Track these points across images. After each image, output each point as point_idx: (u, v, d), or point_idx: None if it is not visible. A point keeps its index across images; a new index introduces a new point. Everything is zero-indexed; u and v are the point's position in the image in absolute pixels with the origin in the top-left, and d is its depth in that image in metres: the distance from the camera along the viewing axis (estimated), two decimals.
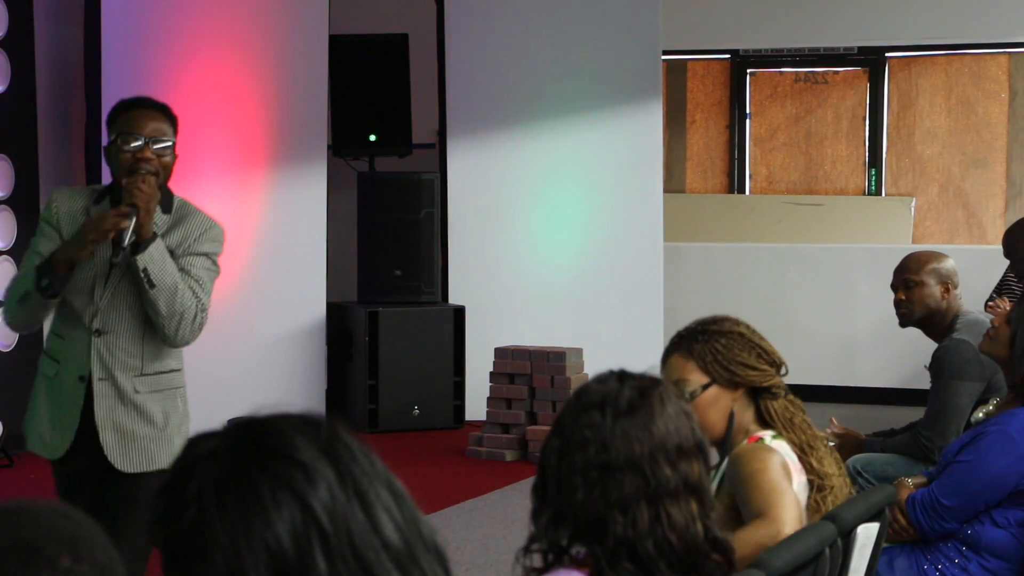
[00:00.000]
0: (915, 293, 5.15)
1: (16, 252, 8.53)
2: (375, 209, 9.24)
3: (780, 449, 3.11)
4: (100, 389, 4.08)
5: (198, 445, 1.51)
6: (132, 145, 4.07)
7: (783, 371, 3.22)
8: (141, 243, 4.03)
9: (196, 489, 1.47)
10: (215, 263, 4.39)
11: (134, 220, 3.98)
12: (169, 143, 4.18)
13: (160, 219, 4.18)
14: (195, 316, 4.16)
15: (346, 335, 9.28)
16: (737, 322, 3.22)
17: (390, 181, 9.35)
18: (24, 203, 8.58)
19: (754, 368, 3.16)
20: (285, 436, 1.49)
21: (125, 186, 4.01)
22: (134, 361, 4.11)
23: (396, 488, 1.53)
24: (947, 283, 5.13)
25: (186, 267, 4.19)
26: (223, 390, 8.66)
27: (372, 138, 9.69)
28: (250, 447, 1.48)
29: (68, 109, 8.91)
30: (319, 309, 9.19)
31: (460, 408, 9.13)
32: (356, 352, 9.15)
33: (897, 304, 5.20)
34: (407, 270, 9.24)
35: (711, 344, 3.15)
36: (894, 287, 5.23)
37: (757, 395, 3.18)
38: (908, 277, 5.18)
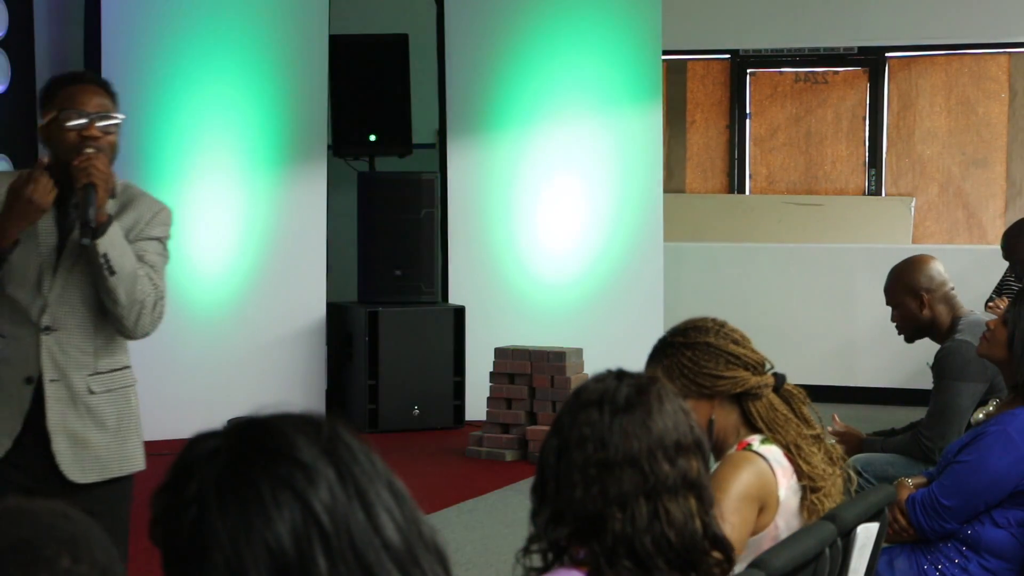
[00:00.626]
0: (898, 314, 5.17)
1: None
2: (375, 209, 9.24)
3: (768, 455, 3.08)
4: (53, 392, 3.71)
5: (198, 444, 1.51)
6: (76, 122, 3.71)
7: (767, 368, 3.17)
8: (99, 227, 3.67)
9: (196, 489, 1.47)
10: (166, 248, 3.95)
11: (95, 200, 3.64)
12: (116, 120, 3.83)
13: (108, 203, 3.79)
14: (155, 304, 3.79)
15: (346, 335, 9.28)
16: (706, 329, 3.15)
17: (390, 181, 9.35)
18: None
19: (722, 377, 3.10)
20: (286, 436, 1.49)
21: (77, 165, 3.64)
22: (87, 359, 3.76)
23: (396, 488, 1.53)
24: (922, 294, 5.11)
25: (139, 253, 3.80)
26: (223, 390, 8.66)
27: (372, 138, 9.69)
28: (251, 447, 1.48)
29: None
30: (319, 309, 9.19)
31: (460, 408, 9.13)
32: (356, 352, 9.15)
33: (893, 322, 5.23)
34: (407, 270, 9.24)
35: (677, 358, 3.11)
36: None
37: (738, 398, 3.15)
38: (888, 300, 5.20)
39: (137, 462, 3.82)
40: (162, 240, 3.91)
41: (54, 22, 8.80)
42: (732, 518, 2.94)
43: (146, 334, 3.82)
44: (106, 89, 3.85)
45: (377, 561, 1.46)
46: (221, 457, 1.48)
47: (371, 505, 1.48)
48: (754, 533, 3.04)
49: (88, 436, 3.73)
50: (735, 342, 3.12)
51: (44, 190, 3.64)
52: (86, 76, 3.90)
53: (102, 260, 3.66)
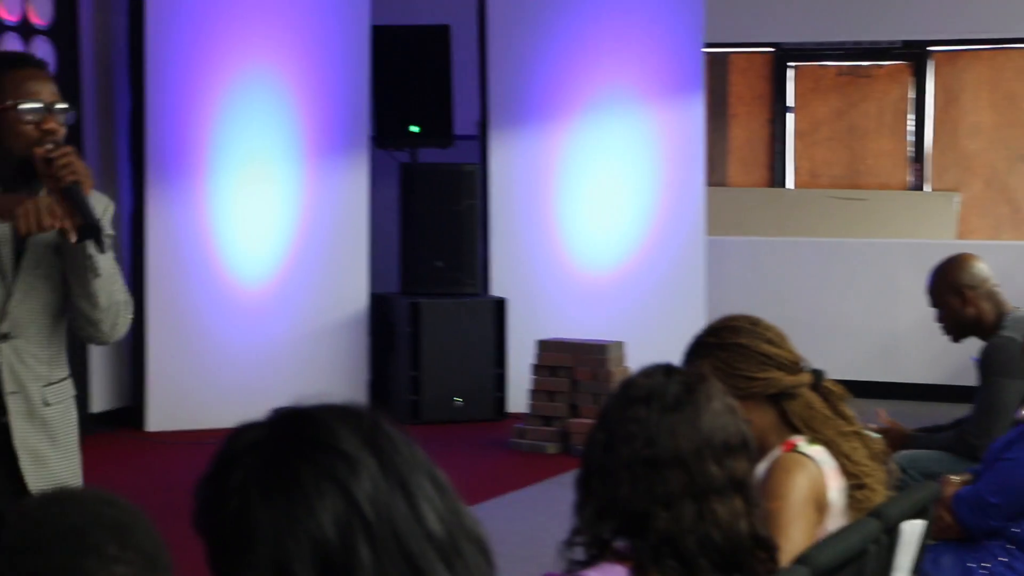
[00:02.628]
0: (942, 313, 5.13)
1: None
2: (417, 200, 9.25)
3: (816, 456, 3.06)
4: (14, 405, 3.44)
5: (241, 435, 1.51)
6: (34, 114, 3.40)
7: (802, 367, 3.13)
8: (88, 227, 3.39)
9: (239, 479, 1.47)
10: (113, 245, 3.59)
11: (87, 199, 3.39)
12: (69, 110, 3.48)
13: None
14: (127, 304, 3.55)
15: (388, 326, 9.29)
16: (739, 329, 3.11)
17: (432, 172, 9.35)
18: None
19: (755, 379, 3.07)
20: (328, 426, 1.49)
21: (59, 162, 3.35)
22: (43, 368, 3.50)
23: (438, 479, 1.52)
24: (965, 292, 5.06)
25: None
26: (267, 380, 8.69)
27: (414, 129, 9.70)
28: (293, 437, 1.49)
29: (112, 98, 8.95)
30: (362, 300, 9.21)
31: (502, 400, 9.13)
32: (398, 343, 9.16)
33: (939, 323, 5.19)
34: (449, 261, 9.25)
35: (711, 360, 3.08)
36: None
37: (774, 398, 3.12)
38: (931, 301, 5.16)
39: (80, 479, 3.60)
40: (112, 237, 3.56)
41: (99, 11, 8.84)
42: (796, 524, 2.91)
43: (119, 337, 3.57)
44: (51, 75, 3.54)
45: (420, 551, 1.46)
46: (264, 447, 1.48)
47: (413, 495, 1.48)
48: None
49: (45, 452, 3.48)
50: (768, 342, 3.08)
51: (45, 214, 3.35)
52: (32, 60, 3.56)
53: (88, 262, 3.40)
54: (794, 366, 3.09)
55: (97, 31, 8.84)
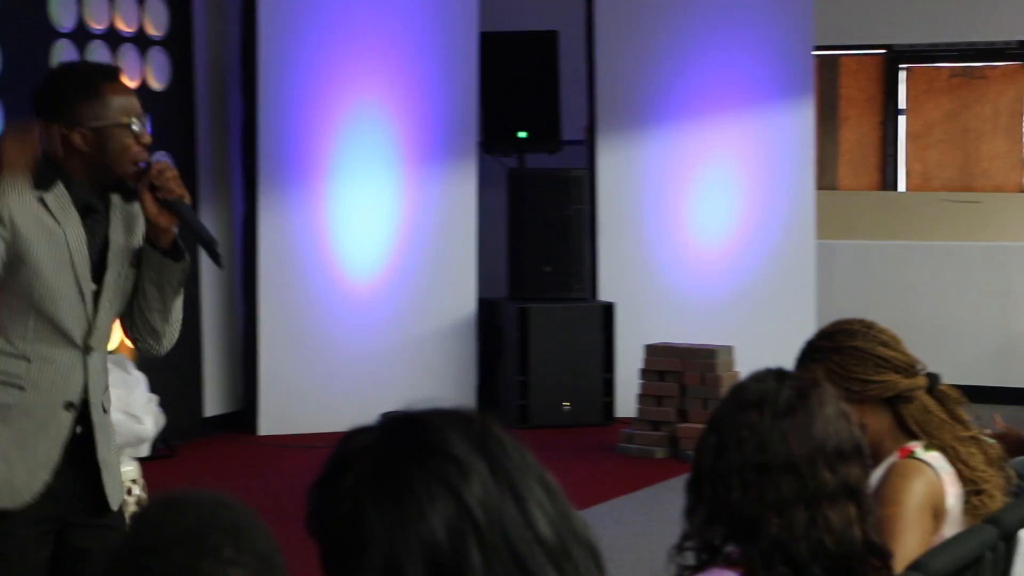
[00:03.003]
0: None
1: None
2: (525, 206, 9.27)
3: (933, 462, 3.02)
4: (100, 419, 3.43)
5: (353, 439, 1.53)
6: (136, 129, 3.40)
7: (918, 370, 3.09)
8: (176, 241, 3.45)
9: (352, 483, 1.49)
10: None
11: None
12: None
13: (134, 208, 3.48)
14: (180, 322, 3.60)
15: (496, 331, 9.32)
16: (854, 332, 3.07)
17: (540, 178, 9.37)
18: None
19: (871, 381, 3.02)
20: (438, 430, 1.50)
21: (168, 177, 3.39)
22: (105, 378, 3.51)
23: (548, 483, 1.53)
24: None
25: None
26: (376, 385, 8.76)
27: (522, 135, 9.71)
28: (404, 441, 1.50)
29: (225, 107, 9.07)
30: (470, 305, 9.25)
31: (610, 405, 9.12)
32: (506, 348, 9.18)
33: None
34: (557, 266, 9.25)
35: (825, 363, 3.04)
36: None
37: (889, 402, 3.07)
38: None
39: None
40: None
41: (212, 20, 8.97)
42: (911, 531, 2.88)
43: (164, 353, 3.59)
44: None
45: (530, 555, 1.47)
46: (375, 451, 1.50)
47: (523, 499, 1.48)
48: None
49: (112, 459, 3.49)
50: (884, 344, 3.05)
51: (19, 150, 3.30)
52: (119, 71, 3.53)
53: (182, 277, 3.46)
54: (910, 369, 3.05)
55: (211, 41, 8.96)
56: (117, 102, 3.39)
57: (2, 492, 3.33)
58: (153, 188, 3.40)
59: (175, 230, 3.46)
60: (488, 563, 1.45)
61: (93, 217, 3.41)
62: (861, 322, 3.09)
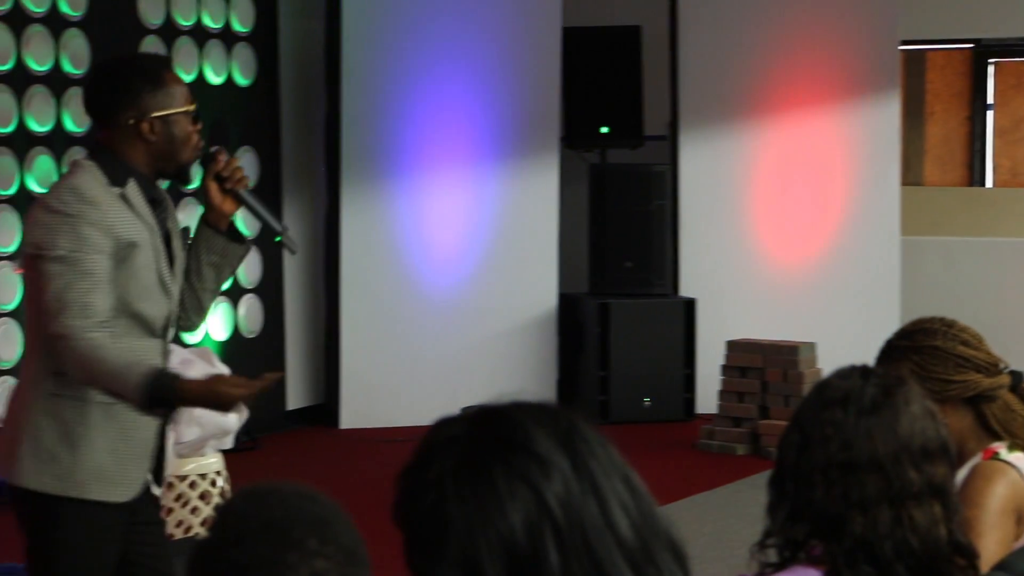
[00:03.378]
0: None
1: (260, 242, 8.79)
2: (606, 201, 9.25)
3: (1018, 463, 2.98)
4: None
5: (441, 430, 1.54)
6: (194, 118, 3.51)
7: (1000, 368, 3.05)
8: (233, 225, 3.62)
9: (436, 474, 1.50)
10: None
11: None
12: None
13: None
14: None
15: (577, 326, 9.31)
16: (934, 331, 3.03)
17: (621, 173, 9.35)
18: (267, 194, 8.82)
19: (952, 381, 2.99)
20: (523, 427, 1.50)
21: (235, 168, 3.54)
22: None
23: (633, 483, 1.52)
24: None
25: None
26: (456, 379, 8.79)
27: (604, 130, 9.70)
28: (489, 436, 1.50)
29: (309, 103, 9.14)
30: (551, 300, 9.25)
31: (691, 401, 9.09)
32: (587, 343, 9.18)
33: None
34: (638, 262, 9.23)
35: (904, 364, 3.01)
36: None
37: (971, 401, 3.04)
38: None
39: None
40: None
41: (297, 16, 9.04)
42: (993, 534, 2.85)
43: None
44: None
45: (608, 557, 1.46)
46: (461, 444, 1.51)
47: (606, 500, 1.48)
48: None
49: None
50: (964, 343, 3.01)
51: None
52: (170, 60, 3.64)
53: (240, 261, 3.64)
54: (992, 368, 3.01)
55: (296, 36, 9.03)
56: (179, 90, 3.47)
57: (116, 486, 3.39)
58: (220, 179, 3.53)
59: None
60: (566, 562, 1.45)
61: (157, 208, 3.48)
62: (942, 320, 3.06)
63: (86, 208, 3.31)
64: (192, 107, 3.47)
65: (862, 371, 2.24)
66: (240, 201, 3.56)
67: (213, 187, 3.54)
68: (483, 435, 1.51)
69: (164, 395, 3.29)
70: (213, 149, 3.56)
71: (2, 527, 6.46)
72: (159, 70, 3.47)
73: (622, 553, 1.47)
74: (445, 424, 1.54)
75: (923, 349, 3.00)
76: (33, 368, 3.41)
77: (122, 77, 3.45)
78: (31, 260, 3.35)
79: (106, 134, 3.44)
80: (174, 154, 3.45)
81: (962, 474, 2.99)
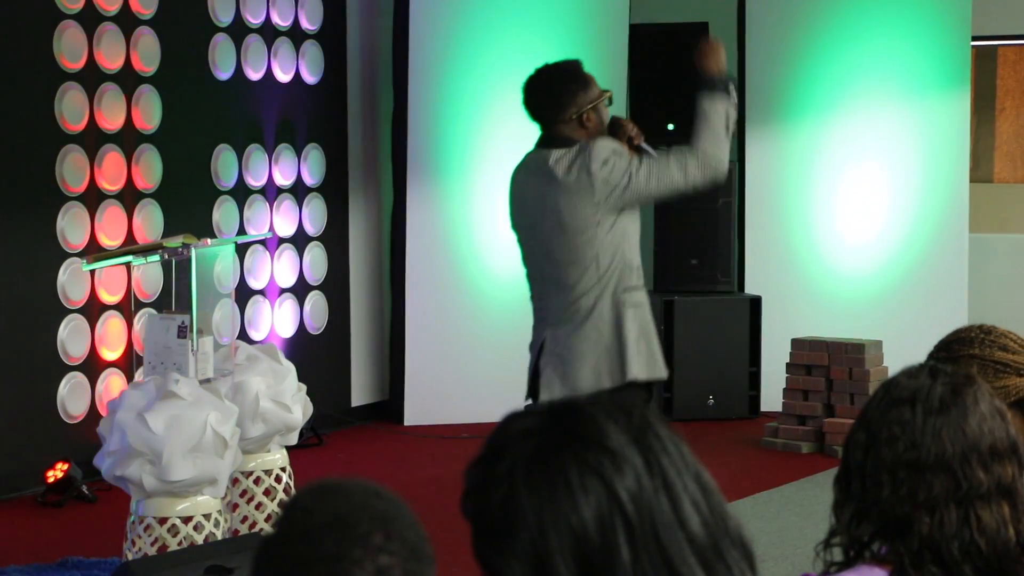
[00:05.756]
0: None
1: (326, 239, 8.84)
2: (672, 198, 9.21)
3: None
4: None
5: (514, 423, 1.54)
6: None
7: None
8: None
9: (508, 467, 1.50)
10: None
11: None
12: None
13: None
14: None
15: None
16: (970, 340, 2.98)
17: None
18: (333, 191, 8.88)
19: (993, 388, 2.97)
20: (597, 422, 1.50)
21: (636, 128, 4.92)
22: None
23: (704, 481, 1.52)
24: None
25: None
26: (521, 376, 8.76)
27: (670, 127, 9.67)
28: (562, 431, 1.51)
29: (376, 100, 9.18)
30: None
31: (756, 398, 9.05)
32: None
33: None
34: (703, 259, 9.20)
35: None
36: None
37: (1018, 405, 3.01)
38: None
39: None
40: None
41: (365, 15, 9.07)
42: None
43: None
44: None
45: (679, 554, 1.46)
46: (534, 438, 1.51)
47: (677, 497, 1.48)
48: None
49: None
50: (1003, 349, 2.98)
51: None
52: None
53: None
54: None
55: (363, 35, 9.07)
56: (595, 83, 4.83)
57: (659, 365, 4.83)
58: (630, 140, 4.81)
59: None
60: (636, 558, 1.45)
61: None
62: (979, 328, 3.04)
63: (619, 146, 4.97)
64: (608, 97, 4.84)
65: (930, 370, 2.22)
66: (640, 152, 4.80)
67: (626, 147, 4.77)
68: (556, 429, 1.51)
69: None
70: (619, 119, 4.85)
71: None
72: (584, 71, 4.89)
73: (692, 550, 1.47)
74: (517, 418, 1.55)
75: (960, 359, 2.98)
76: None
77: (569, 81, 4.89)
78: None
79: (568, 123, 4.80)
80: (603, 133, 4.80)
81: None
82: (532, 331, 5.05)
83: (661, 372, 4.86)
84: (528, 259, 5.03)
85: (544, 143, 4.87)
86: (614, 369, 4.74)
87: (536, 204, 4.84)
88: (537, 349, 4.95)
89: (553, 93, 4.78)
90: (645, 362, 4.75)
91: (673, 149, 4.79)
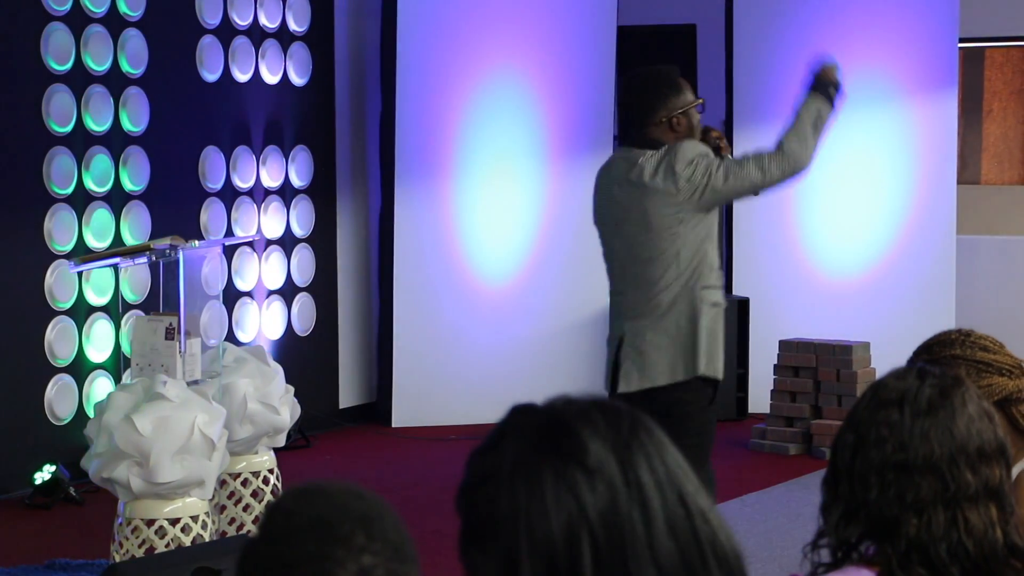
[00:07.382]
0: None
1: (314, 241, 8.83)
2: None
3: None
4: None
5: (514, 418, 1.57)
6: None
7: None
8: None
9: (497, 465, 1.53)
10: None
11: None
12: None
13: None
14: None
15: None
16: (951, 342, 2.99)
17: None
18: (321, 193, 8.87)
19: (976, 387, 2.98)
20: (580, 439, 1.52)
21: (722, 138, 5.07)
22: None
23: (688, 502, 1.52)
24: None
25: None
26: (508, 378, 8.80)
27: None
28: (547, 443, 1.53)
29: (364, 102, 9.17)
30: (603, 299, 9.19)
31: (743, 400, 9.06)
32: None
33: None
34: None
35: None
36: None
37: (999, 405, 3.02)
38: None
39: None
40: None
41: (353, 17, 9.07)
42: None
43: None
44: None
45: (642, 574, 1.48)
46: (520, 441, 1.53)
47: (652, 519, 1.50)
48: None
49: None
50: (984, 349, 3.00)
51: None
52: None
53: None
54: (1015, 370, 3.00)
55: (351, 36, 9.07)
56: (689, 89, 4.99)
57: (719, 367, 4.95)
58: (716, 148, 4.98)
59: None
60: (600, 574, 1.47)
61: None
62: (959, 331, 3.05)
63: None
64: (700, 105, 4.99)
65: (919, 372, 2.22)
66: (721, 158, 4.99)
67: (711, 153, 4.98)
68: (543, 441, 1.53)
69: None
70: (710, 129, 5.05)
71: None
72: (677, 77, 5.02)
73: (656, 572, 1.48)
74: (519, 412, 1.57)
75: (942, 360, 2.99)
76: None
77: (664, 85, 4.98)
78: None
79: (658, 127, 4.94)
80: (694, 137, 4.95)
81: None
82: (608, 326, 5.20)
83: (721, 374, 4.99)
84: (610, 256, 5.21)
85: (633, 143, 5.01)
86: (688, 363, 4.87)
87: (621, 203, 4.99)
88: (616, 343, 5.04)
89: (646, 95, 4.95)
90: (712, 360, 4.90)
91: (756, 150, 4.98)
